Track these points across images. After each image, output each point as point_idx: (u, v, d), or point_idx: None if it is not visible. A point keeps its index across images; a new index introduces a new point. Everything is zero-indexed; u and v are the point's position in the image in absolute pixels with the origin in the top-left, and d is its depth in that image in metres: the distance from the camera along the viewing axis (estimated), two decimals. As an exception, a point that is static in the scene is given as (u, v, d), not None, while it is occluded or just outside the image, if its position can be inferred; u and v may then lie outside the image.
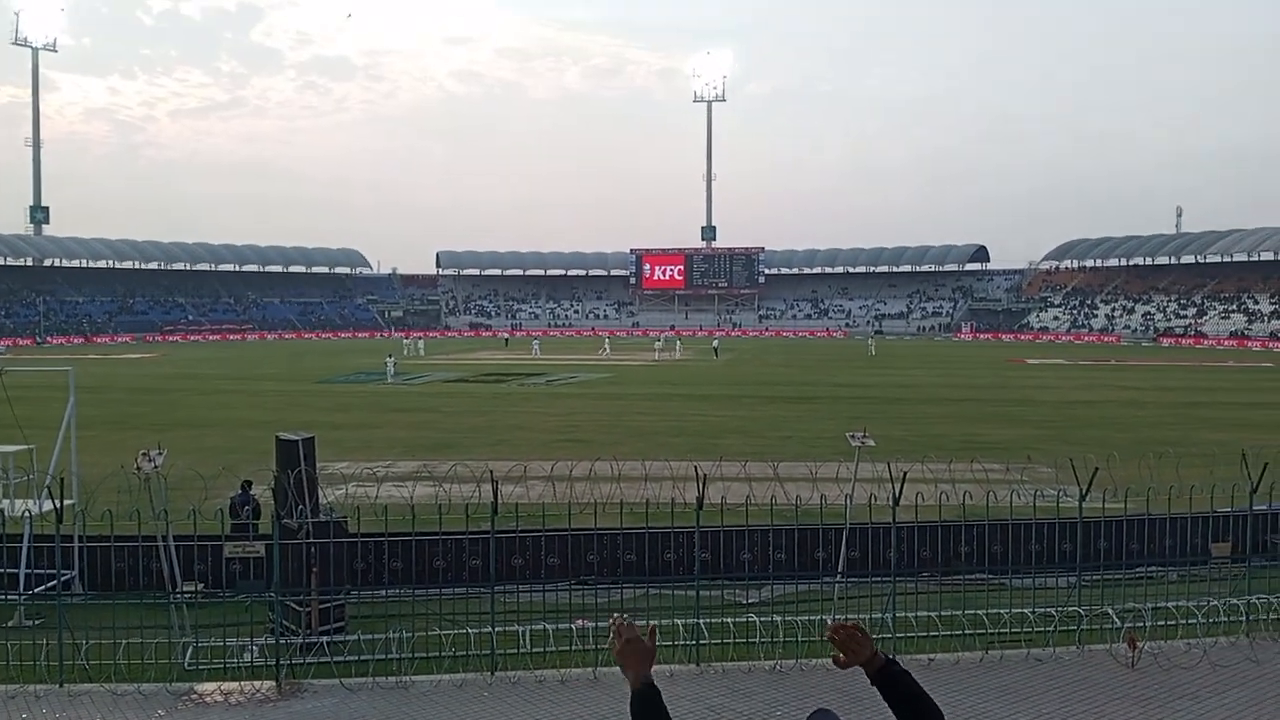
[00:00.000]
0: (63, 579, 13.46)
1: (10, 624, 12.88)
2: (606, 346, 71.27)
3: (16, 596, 13.43)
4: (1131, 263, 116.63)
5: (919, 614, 12.25)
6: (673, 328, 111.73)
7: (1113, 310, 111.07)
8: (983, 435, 28.89)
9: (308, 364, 62.88)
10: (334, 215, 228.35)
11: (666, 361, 67.51)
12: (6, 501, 14.17)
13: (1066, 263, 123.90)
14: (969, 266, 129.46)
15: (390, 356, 53.15)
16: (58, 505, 12.65)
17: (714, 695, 10.40)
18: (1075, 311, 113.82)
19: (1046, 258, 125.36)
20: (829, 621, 11.99)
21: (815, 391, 44.08)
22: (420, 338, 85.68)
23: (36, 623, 12.83)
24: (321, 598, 12.13)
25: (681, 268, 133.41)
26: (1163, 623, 12.13)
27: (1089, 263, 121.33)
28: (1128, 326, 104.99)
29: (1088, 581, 12.99)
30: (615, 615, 3.24)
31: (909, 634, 11.94)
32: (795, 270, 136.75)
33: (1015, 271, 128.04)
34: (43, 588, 13.68)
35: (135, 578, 13.16)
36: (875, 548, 13.91)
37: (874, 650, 3.12)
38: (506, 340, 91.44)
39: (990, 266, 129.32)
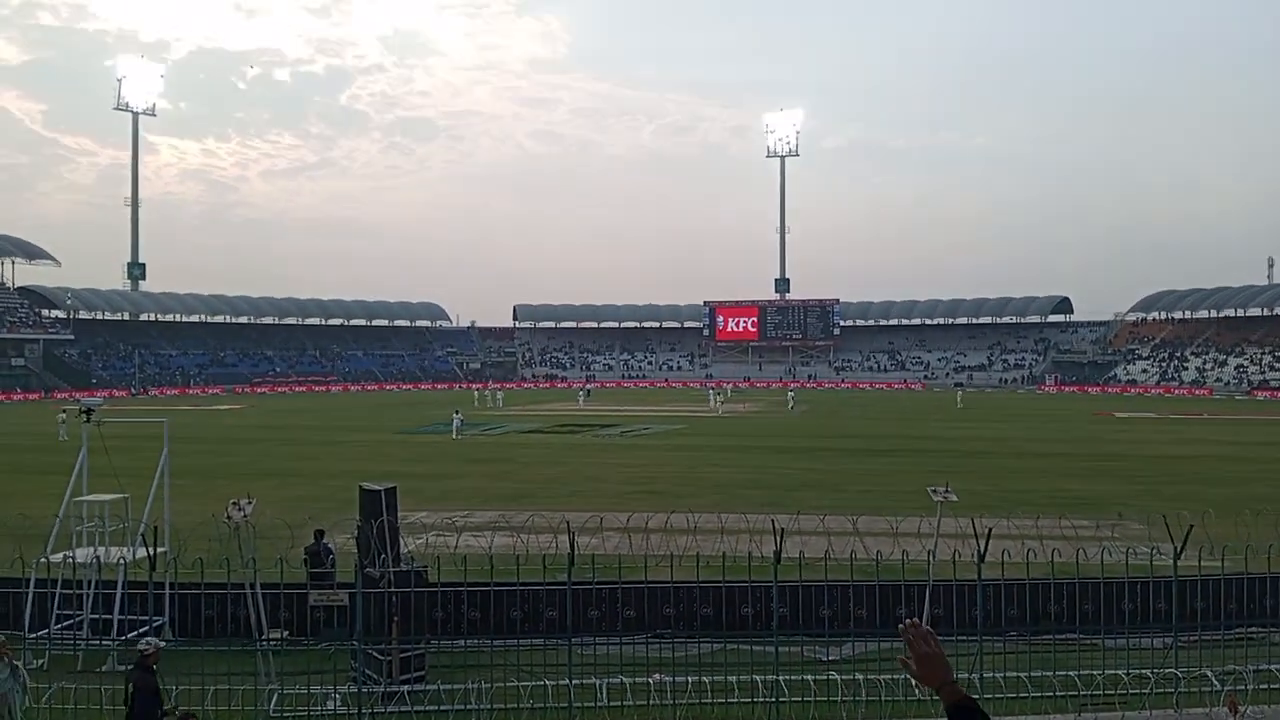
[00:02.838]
0: (154, 625, 13.85)
1: (103, 668, 13.25)
2: (713, 399, 70.73)
3: (110, 642, 13.84)
4: (1222, 314, 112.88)
5: (1007, 674, 11.89)
6: (709, 377, 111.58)
7: (1204, 363, 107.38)
8: (1071, 490, 28.05)
9: (388, 415, 64.09)
10: (415, 270, 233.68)
11: (739, 414, 67.20)
12: (103, 549, 14.66)
13: (1154, 314, 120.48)
14: (1051, 318, 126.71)
15: (457, 412, 50.60)
16: (151, 553, 13.09)
17: (794, 754, 10.21)
18: (1164, 364, 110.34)
19: (1133, 309, 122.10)
20: (913, 682, 11.73)
21: (894, 445, 43.34)
22: (499, 389, 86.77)
23: (129, 668, 13.17)
24: (403, 647, 12.26)
25: (755, 319, 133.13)
26: (1265, 686, 11.59)
27: (1177, 314, 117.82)
28: (1220, 379, 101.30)
29: (1184, 642, 12.48)
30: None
31: (997, 694, 11.59)
32: (871, 322, 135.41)
33: (1100, 323, 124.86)
34: (135, 633, 14.09)
35: (223, 624, 13.50)
36: (960, 605, 13.55)
37: (951, 678, 3.01)
38: (588, 391, 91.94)
39: (1073, 318, 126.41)
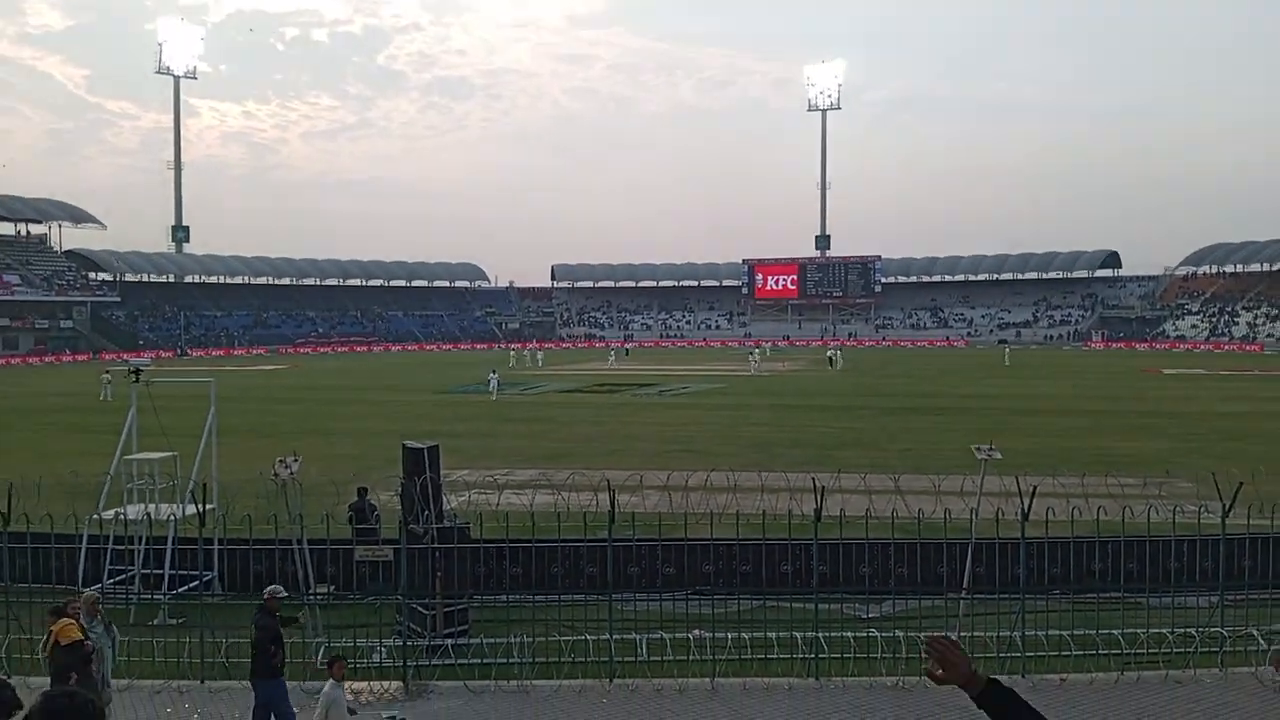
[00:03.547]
0: (204, 580, 14.16)
1: (155, 622, 13.60)
2: (752, 361, 70.54)
3: (161, 596, 14.19)
4: (1276, 268, 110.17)
5: (1049, 633, 11.81)
6: (748, 336, 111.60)
7: (1255, 318, 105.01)
8: (1117, 449, 27.67)
9: (429, 374, 64.67)
10: (454, 231, 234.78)
11: (779, 372, 66.95)
12: (153, 506, 14.97)
13: (1205, 269, 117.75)
14: (1099, 273, 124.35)
15: (494, 372, 49.55)
16: (200, 510, 13.34)
17: (836, 711, 10.25)
18: (1214, 319, 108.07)
19: (1183, 263, 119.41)
20: (953, 639, 11.69)
21: (937, 403, 42.97)
22: (539, 349, 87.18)
23: (180, 621, 13.51)
24: (446, 602, 12.43)
25: (795, 277, 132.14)
26: (1315, 646, 11.41)
27: (1229, 268, 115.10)
28: (1271, 335, 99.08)
29: (1231, 601, 12.31)
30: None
31: (1039, 653, 11.52)
32: (913, 279, 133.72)
33: (1149, 278, 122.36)
34: (185, 588, 14.43)
35: (271, 579, 13.74)
36: (1003, 564, 13.47)
37: (971, 671, 2.99)
38: (628, 351, 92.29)
39: (1122, 273, 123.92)
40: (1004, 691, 2.95)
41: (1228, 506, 11.68)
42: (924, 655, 3.10)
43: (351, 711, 8.84)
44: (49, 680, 8.75)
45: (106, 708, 9.14)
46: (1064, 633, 11.68)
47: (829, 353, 74.81)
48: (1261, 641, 11.37)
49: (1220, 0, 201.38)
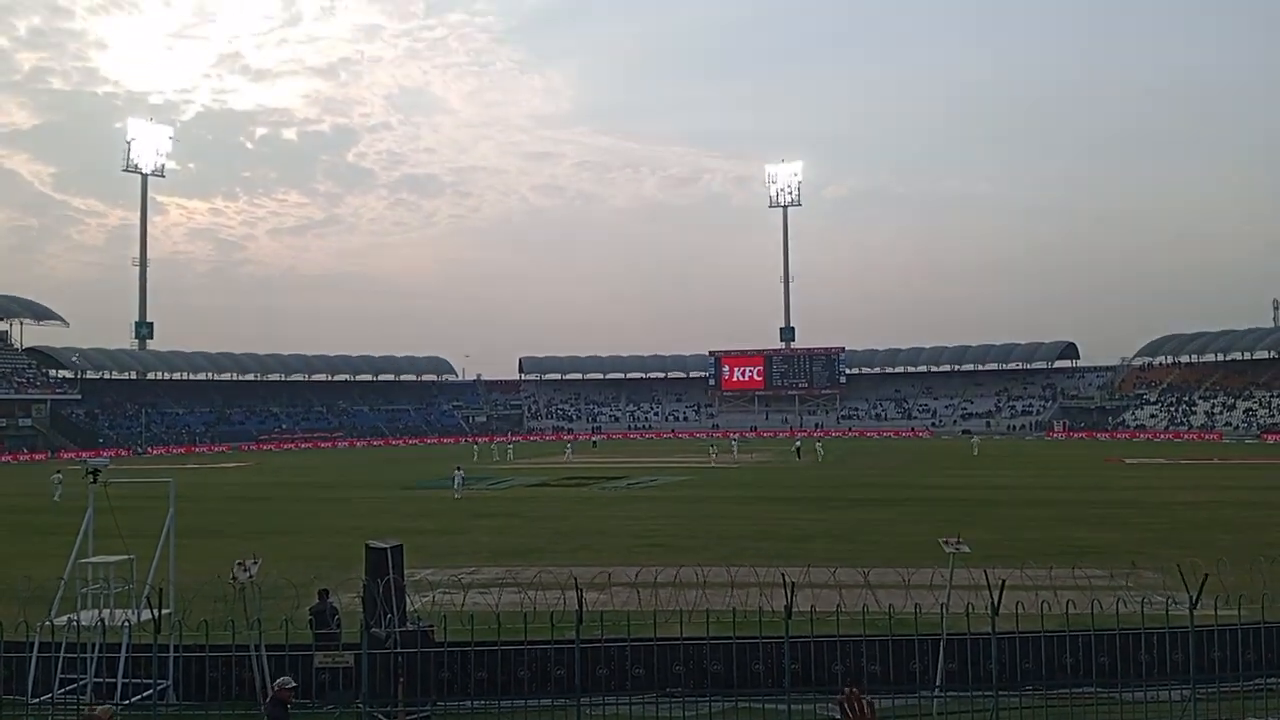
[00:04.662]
0: (158, 689, 13.69)
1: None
2: (713, 450, 71.42)
3: (114, 705, 13.66)
4: (1229, 358, 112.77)
5: (1024, 730, 11.67)
6: (715, 427, 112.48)
7: (1212, 407, 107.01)
8: (1083, 539, 27.79)
9: (394, 470, 63.96)
10: (422, 325, 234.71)
11: (746, 464, 66.96)
12: (107, 611, 14.53)
13: (1160, 359, 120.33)
14: (1058, 364, 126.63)
15: (459, 468, 48.33)
16: (156, 615, 12.98)
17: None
18: (1173, 409, 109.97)
19: (1140, 354, 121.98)
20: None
21: (904, 494, 43.08)
22: (509, 443, 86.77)
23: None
24: (409, 708, 12.09)
25: (761, 368, 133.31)
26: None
27: (1184, 358, 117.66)
28: (1229, 423, 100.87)
29: (1203, 694, 12.25)
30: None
31: (1015, 752, 11.37)
32: (877, 369, 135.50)
33: (1107, 368, 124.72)
34: (139, 697, 13.92)
35: (228, 687, 13.34)
36: (975, 659, 13.36)
37: None
38: (595, 443, 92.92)
39: (1080, 363, 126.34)
40: None
41: (1194, 598, 11.73)
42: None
43: None
44: None
45: None
46: (1039, 730, 11.55)
47: (796, 444, 75.07)
48: (1235, 735, 11.30)
49: (1171, 102, 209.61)
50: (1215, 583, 12.05)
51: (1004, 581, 11.91)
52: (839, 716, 3.29)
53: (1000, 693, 11.88)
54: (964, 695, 12.86)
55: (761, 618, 12.30)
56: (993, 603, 11.65)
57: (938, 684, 13.26)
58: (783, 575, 12.23)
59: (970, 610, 12.17)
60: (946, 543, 13.88)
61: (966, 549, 13.83)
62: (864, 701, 3.20)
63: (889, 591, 14.01)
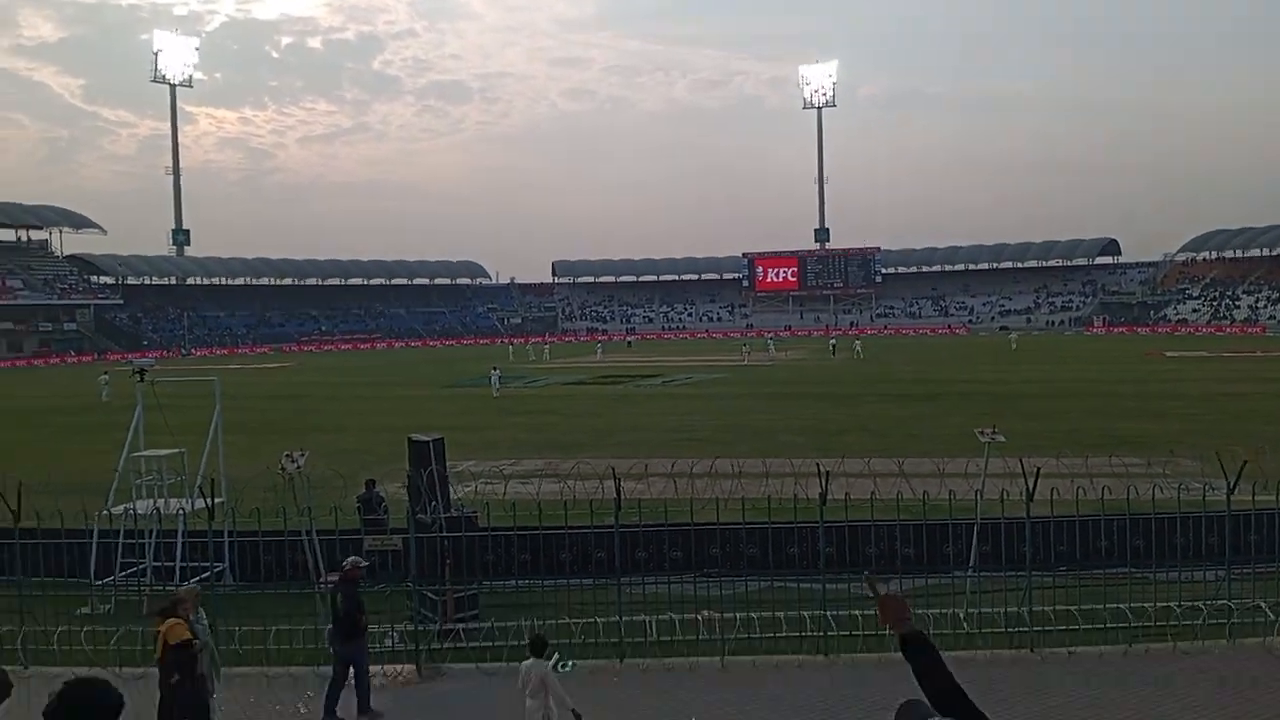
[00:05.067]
0: (215, 571, 14.24)
1: (144, 613, 13.63)
2: (746, 349, 71.57)
3: (174, 587, 14.25)
4: (1275, 253, 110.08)
5: (1056, 608, 11.87)
6: (749, 327, 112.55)
7: (1256, 301, 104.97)
8: (1122, 430, 27.72)
9: (433, 370, 64.75)
10: (454, 230, 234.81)
11: (782, 361, 67.02)
12: (161, 501, 15.05)
13: (1204, 254, 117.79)
14: (1099, 260, 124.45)
15: (495, 368, 47.98)
16: (209, 503, 13.42)
17: (844, 686, 10.32)
18: (1215, 304, 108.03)
19: (1183, 249, 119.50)
20: (960, 615, 11.74)
21: (940, 389, 42.99)
22: (544, 344, 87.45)
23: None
24: (456, 587, 12.51)
25: (795, 270, 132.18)
26: (1322, 617, 11.47)
27: (1228, 253, 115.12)
28: (1273, 317, 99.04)
29: (1237, 575, 12.36)
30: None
31: (1047, 627, 11.59)
32: (913, 269, 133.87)
33: (1149, 264, 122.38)
34: (197, 579, 14.49)
35: (281, 569, 13.84)
36: (1008, 543, 13.49)
37: (906, 618, 3.25)
38: (629, 343, 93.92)
39: (1122, 260, 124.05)
40: (928, 644, 3.18)
41: (1233, 484, 11.73)
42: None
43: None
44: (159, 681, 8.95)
45: (212, 700, 9.38)
46: (1071, 608, 11.74)
47: (832, 342, 74.85)
48: (1269, 613, 11.43)
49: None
50: (1254, 469, 12.04)
51: (1039, 469, 11.96)
52: (872, 594, 3.39)
53: (1034, 574, 12.05)
54: (997, 575, 13.05)
55: (796, 504, 12.49)
56: (1027, 488, 11.73)
57: (971, 565, 13.46)
58: (818, 465, 12.36)
59: (1005, 496, 12.27)
60: (982, 433, 13.91)
61: (1002, 439, 13.85)
62: (878, 590, 3.32)
63: (924, 480, 14.14)
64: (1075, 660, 10.79)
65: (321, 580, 12.93)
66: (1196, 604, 11.68)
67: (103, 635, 11.69)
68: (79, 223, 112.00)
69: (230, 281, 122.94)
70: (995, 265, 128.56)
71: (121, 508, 15.06)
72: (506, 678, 10.76)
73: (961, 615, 11.94)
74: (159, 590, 14.18)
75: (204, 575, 14.25)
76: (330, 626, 10.65)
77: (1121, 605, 11.67)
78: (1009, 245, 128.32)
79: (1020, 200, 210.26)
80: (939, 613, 11.61)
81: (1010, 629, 11.57)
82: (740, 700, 10.00)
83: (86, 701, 3.03)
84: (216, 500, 14.13)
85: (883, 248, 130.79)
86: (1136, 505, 12.79)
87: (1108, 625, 11.39)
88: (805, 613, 11.66)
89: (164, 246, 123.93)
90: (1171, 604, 11.71)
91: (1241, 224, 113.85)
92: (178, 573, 14.47)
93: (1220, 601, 11.66)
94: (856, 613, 11.62)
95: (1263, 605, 11.52)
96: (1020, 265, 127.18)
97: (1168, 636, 11.18)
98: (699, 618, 11.93)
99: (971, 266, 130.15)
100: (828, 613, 11.48)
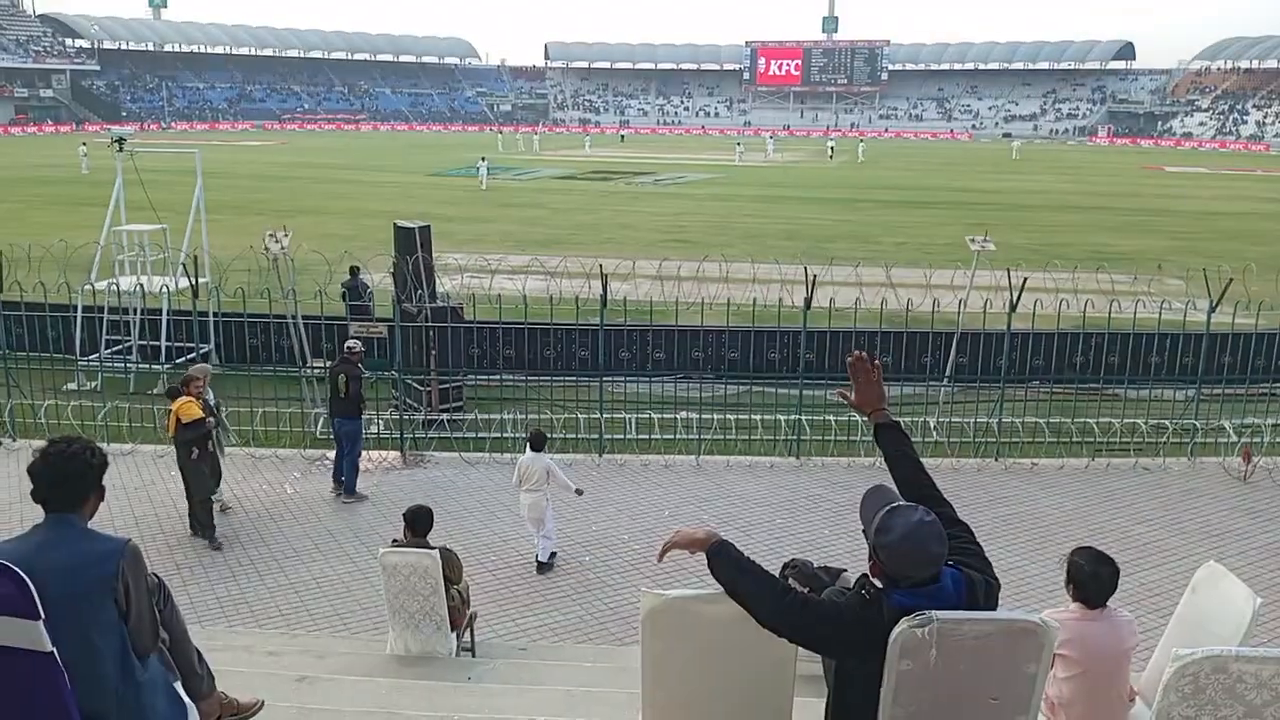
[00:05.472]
0: (201, 351, 14.36)
1: (154, 391, 13.84)
2: (738, 149, 69.38)
3: (160, 366, 14.40)
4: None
5: (1026, 419, 12.17)
6: (747, 124, 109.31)
7: (1265, 117, 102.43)
8: (1112, 245, 27.66)
9: (420, 156, 63.36)
10: (442, 3, 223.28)
11: (778, 163, 65.80)
12: (145, 278, 14.95)
13: (1219, 63, 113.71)
14: (1112, 64, 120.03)
15: (483, 159, 46.74)
16: (193, 282, 13.35)
17: (814, 487, 10.69)
18: (1223, 117, 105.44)
19: (1198, 57, 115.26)
20: (932, 424, 12.03)
21: (936, 197, 42.50)
22: (535, 134, 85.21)
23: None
24: (441, 378, 12.69)
25: (799, 63, 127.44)
26: (1282, 439, 11.82)
27: (1244, 63, 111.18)
28: (1279, 135, 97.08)
29: (1207, 396, 12.63)
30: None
31: (1014, 439, 11.92)
32: (921, 66, 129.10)
33: (1162, 72, 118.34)
34: (183, 359, 14.63)
35: (268, 353, 13.96)
36: (987, 355, 13.69)
37: (883, 405, 3.29)
38: (623, 137, 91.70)
39: (1135, 65, 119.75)
40: (901, 431, 3.26)
41: (1214, 304, 11.78)
42: (849, 368, 3.35)
43: None
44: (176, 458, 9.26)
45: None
46: (1040, 420, 12.03)
47: (830, 143, 73.20)
48: (1232, 434, 11.74)
49: None
50: (1238, 290, 12.06)
51: (1024, 280, 11.95)
52: (843, 400, 3.39)
53: (1006, 385, 12.27)
54: (971, 385, 13.30)
55: (781, 310, 12.52)
56: (1010, 300, 11.75)
57: (947, 374, 13.69)
58: (805, 268, 12.30)
59: (988, 308, 12.31)
60: (973, 240, 13.80)
61: (992, 246, 13.75)
62: (871, 364, 3.28)
63: (910, 290, 14.12)
64: (1037, 471, 11.15)
65: (308, 365, 13.06)
66: (1163, 422, 11.98)
67: (90, 410, 11.88)
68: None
69: (209, 50, 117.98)
70: (1006, 65, 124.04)
71: (105, 283, 15.00)
72: (489, 467, 11.11)
73: (933, 424, 12.23)
74: (145, 369, 14.37)
75: (189, 355, 14.39)
76: (328, 405, 10.91)
77: (1090, 420, 11.96)
78: (1022, 44, 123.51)
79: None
80: (911, 420, 11.86)
81: (979, 439, 11.89)
82: (712, 496, 10.36)
83: (71, 458, 3.07)
84: (200, 280, 14.08)
85: (892, 41, 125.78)
86: (1117, 322, 12.88)
87: (1074, 439, 11.71)
88: (781, 416, 11.92)
89: (141, 9, 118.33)
90: (1139, 421, 12.00)
91: (1264, 33, 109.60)
92: (163, 351, 14.59)
93: (1187, 421, 11.95)
94: (830, 417, 11.89)
95: (1227, 426, 11.82)
96: (1031, 67, 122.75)
97: (1131, 452, 11.53)
98: (677, 417, 12.19)
99: (981, 66, 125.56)
100: (802, 417, 11.72)
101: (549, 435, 9.50)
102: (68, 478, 3.04)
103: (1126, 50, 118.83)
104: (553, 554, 8.82)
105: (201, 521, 9.20)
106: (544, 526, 8.76)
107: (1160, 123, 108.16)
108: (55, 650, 2.82)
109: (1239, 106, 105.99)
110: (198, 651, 3.57)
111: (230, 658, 6.08)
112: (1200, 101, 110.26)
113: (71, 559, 2.96)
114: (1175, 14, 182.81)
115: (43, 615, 2.76)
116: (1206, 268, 12.71)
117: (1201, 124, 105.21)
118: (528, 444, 8.97)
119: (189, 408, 9.04)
